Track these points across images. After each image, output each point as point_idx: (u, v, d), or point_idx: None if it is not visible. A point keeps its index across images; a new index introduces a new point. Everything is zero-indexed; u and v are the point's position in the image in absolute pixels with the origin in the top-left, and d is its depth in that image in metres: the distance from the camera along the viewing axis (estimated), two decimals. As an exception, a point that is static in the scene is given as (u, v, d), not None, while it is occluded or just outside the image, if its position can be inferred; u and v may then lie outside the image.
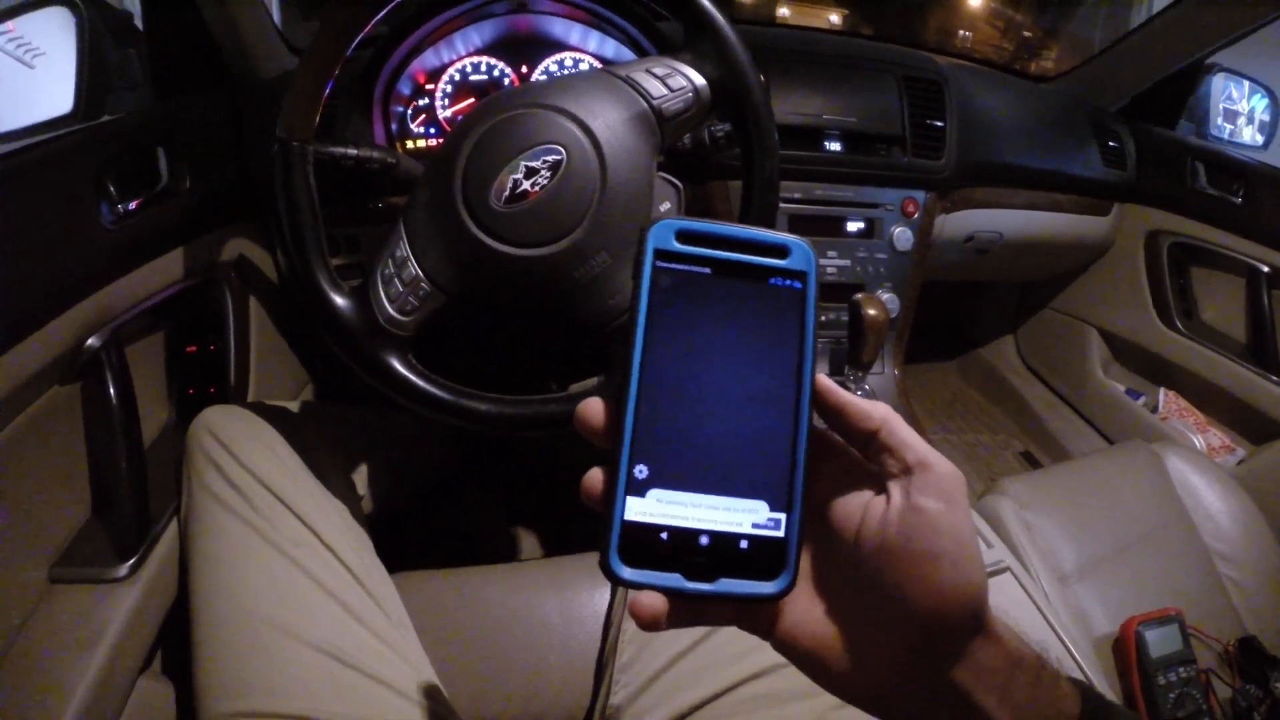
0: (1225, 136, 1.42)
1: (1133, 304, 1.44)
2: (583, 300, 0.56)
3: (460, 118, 0.62)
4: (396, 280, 0.57)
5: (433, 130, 0.96)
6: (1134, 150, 1.38)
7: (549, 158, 0.55)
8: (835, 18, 2.75)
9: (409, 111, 0.96)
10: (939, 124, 1.05)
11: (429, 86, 0.96)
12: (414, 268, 0.56)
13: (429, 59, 0.95)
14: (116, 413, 0.70)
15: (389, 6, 0.58)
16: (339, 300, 0.58)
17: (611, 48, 0.96)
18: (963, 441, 1.64)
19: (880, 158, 1.02)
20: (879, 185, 1.02)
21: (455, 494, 1.12)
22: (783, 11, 2.71)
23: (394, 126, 0.95)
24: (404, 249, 0.57)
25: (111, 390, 0.69)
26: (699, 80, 0.59)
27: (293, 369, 1.11)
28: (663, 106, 0.58)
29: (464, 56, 0.96)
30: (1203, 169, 1.32)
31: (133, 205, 0.75)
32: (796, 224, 1.00)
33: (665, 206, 0.69)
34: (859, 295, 0.91)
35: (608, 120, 0.56)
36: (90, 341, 0.68)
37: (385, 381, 0.58)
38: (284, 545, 0.60)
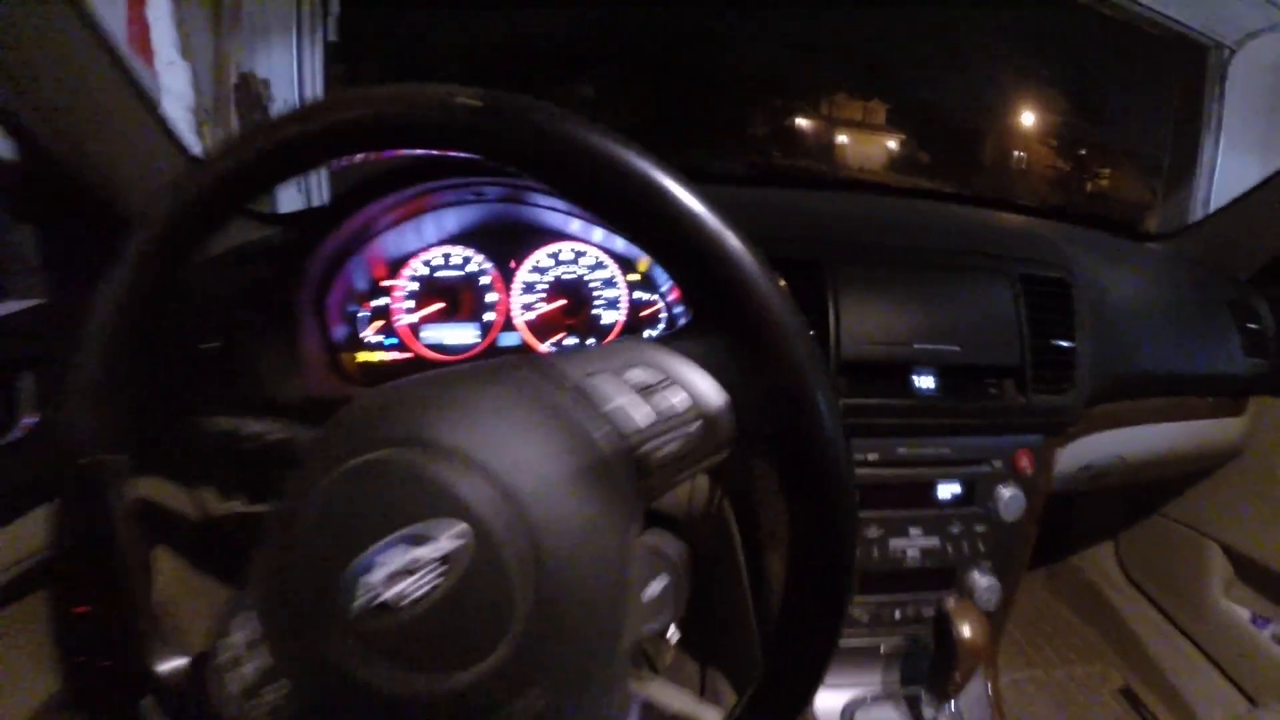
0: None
1: (1266, 516, 1.27)
2: None
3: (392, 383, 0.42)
4: (244, 669, 0.38)
5: (390, 341, 0.78)
6: (1275, 330, 1.19)
7: (436, 547, 0.33)
8: (893, 143, 2.70)
9: (359, 312, 0.78)
10: (1067, 344, 0.84)
11: (388, 283, 0.78)
12: (267, 657, 0.37)
13: (389, 245, 0.76)
14: None
15: (176, 262, 0.43)
16: (166, 670, 0.46)
17: (620, 241, 0.78)
18: (1050, 678, 1.43)
19: (988, 398, 0.81)
20: (982, 434, 0.82)
21: None
22: (840, 138, 2.65)
23: (341, 330, 0.76)
24: (255, 626, 0.38)
25: None
26: (712, 398, 0.38)
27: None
28: (646, 449, 0.36)
29: (434, 245, 0.78)
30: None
31: None
32: (868, 496, 0.78)
33: (655, 590, 0.47)
34: (950, 603, 0.72)
35: (544, 476, 0.34)
36: None
37: None
38: None
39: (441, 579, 0.32)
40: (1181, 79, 2.26)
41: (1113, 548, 1.61)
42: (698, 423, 0.37)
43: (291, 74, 1.60)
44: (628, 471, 0.35)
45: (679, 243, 0.34)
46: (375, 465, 0.34)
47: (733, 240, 0.34)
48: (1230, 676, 1.31)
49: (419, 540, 0.32)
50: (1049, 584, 1.71)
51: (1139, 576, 1.54)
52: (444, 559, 0.32)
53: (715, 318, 0.35)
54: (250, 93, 1.85)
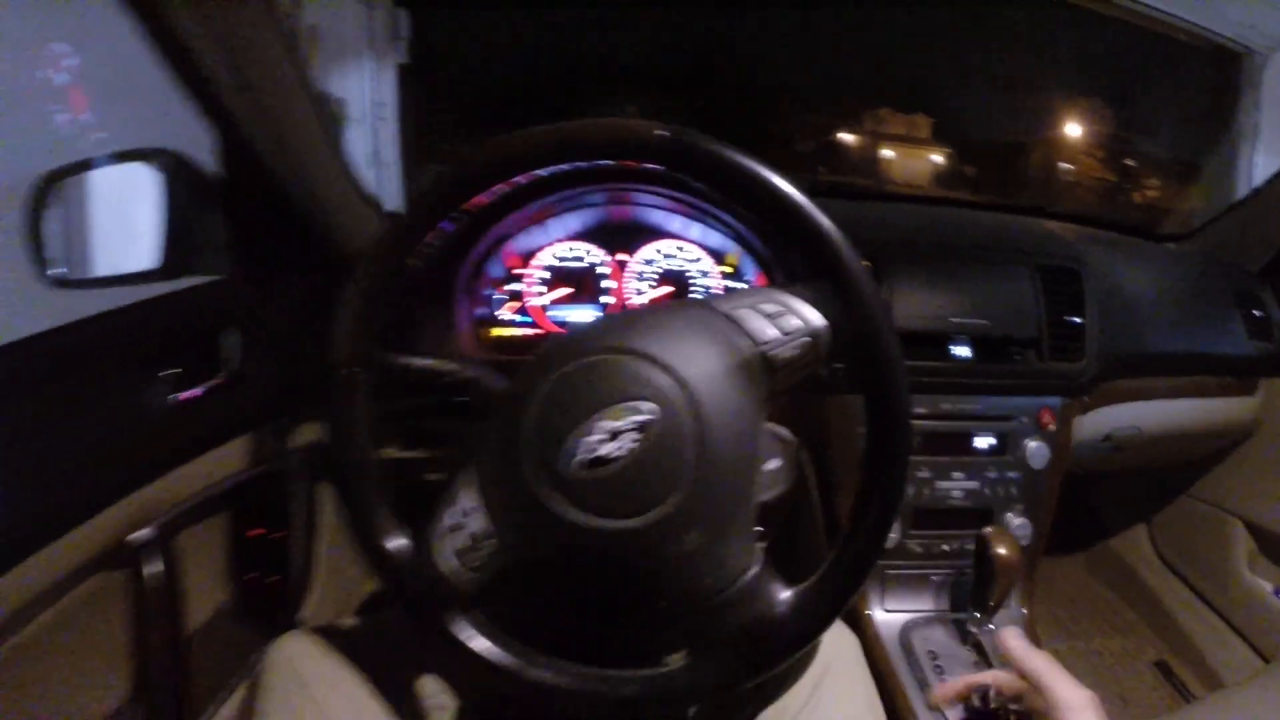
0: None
1: None
2: (671, 580, 0.51)
3: (535, 353, 0.59)
4: (464, 531, 0.53)
5: (524, 320, 0.96)
6: None
7: (637, 417, 0.50)
8: (938, 157, 2.81)
9: (498, 295, 0.96)
10: (1078, 320, 1.01)
11: (520, 271, 0.96)
12: (484, 520, 0.53)
13: (521, 241, 0.95)
14: (158, 609, 0.73)
15: (437, 225, 0.57)
16: (396, 546, 0.56)
17: (715, 238, 0.96)
18: (1089, 649, 1.54)
19: (1013, 364, 0.98)
20: (1011, 394, 0.98)
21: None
22: (886, 154, 2.78)
23: (481, 311, 0.95)
24: (474, 497, 0.54)
25: (155, 587, 0.72)
26: (817, 321, 0.54)
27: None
28: (774, 353, 0.53)
29: (558, 240, 0.96)
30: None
31: (199, 391, 0.77)
32: (920, 444, 0.95)
33: (772, 465, 0.64)
34: (989, 529, 0.87)
35: (707, 370, 0.51)
36: (135, 536, 0.70)
37: (437, 641, 0.55)
38: None
39: (637, 443, 0.49)
40: (1217, 87, 2.32)
41: (1146, 530, 1.69)
42: (807, 338, 0.53)
43: (364, 94, 1.69)
44: (760, 369, 0.53)
45: (798, 226, 0.52)
46: (593, 365, 0.52)
47: (830, 225, 0.52)
48: (1254, 646, 1.38)
49: (625, 413, 0.49)
50: (1088, 566, 1.80)
51: (1170, 556, 1.62)
52: (640, 427, 0.49)
53: (820, 272, 0.53)
54: (326, 111, 2.03)
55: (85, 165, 0.80)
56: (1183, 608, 1.54)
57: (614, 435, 0.49)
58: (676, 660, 0.55)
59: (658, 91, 2.85)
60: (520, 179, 0.57)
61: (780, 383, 0.54)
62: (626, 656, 0.58)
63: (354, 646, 0.71)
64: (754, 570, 0.52)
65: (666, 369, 0.51)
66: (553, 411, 0.51)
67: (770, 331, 0.53)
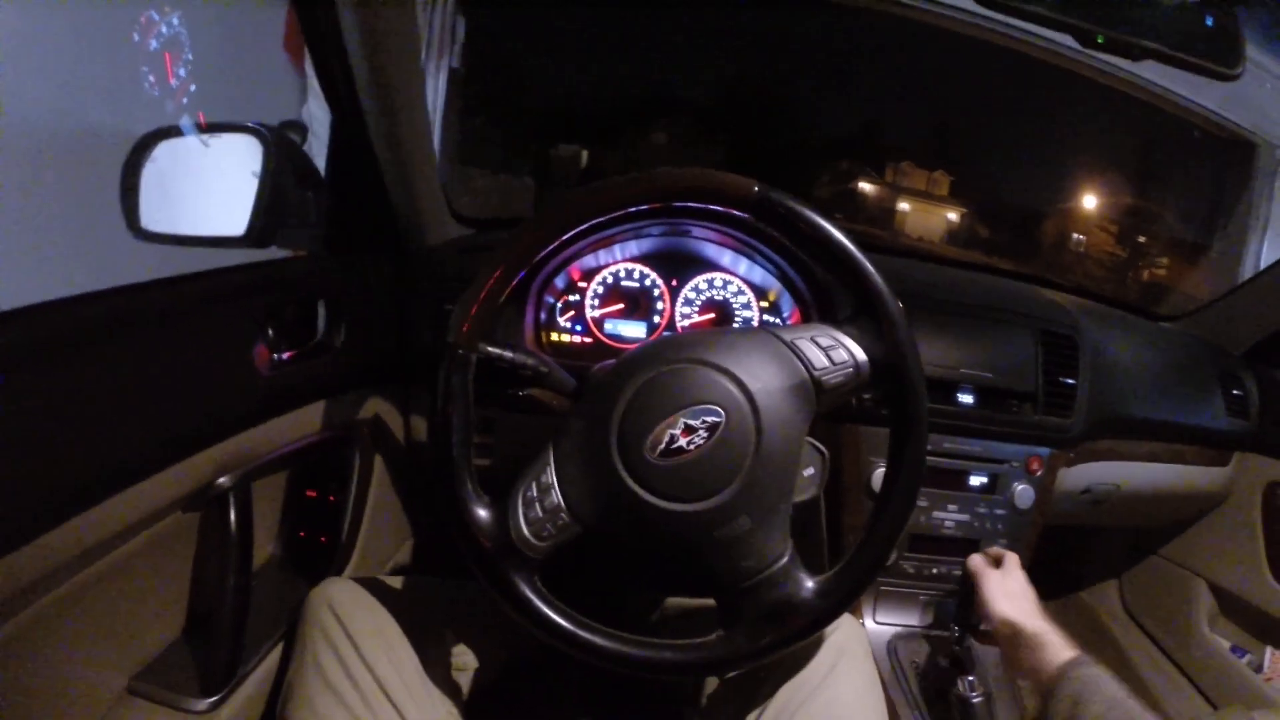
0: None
1: (1246, 558, 1.48)
2: (719, 558, 0.62)
3: (608, 367, 0.68)
4: (538, 505, 0.63)
5: (578, 327, 1.08)
6: (1258, 398, 1.45)
7: (708, 418, 0.62)
8: (954, 215, 2.96)
9: (559, 304, 1.08)
10: (1070, 381, 1.15)
11: (582, 284, 1.09)
12: (557, 497, 0.63)
13: (587, 260, 1.08)
14: (233, 551, 0.78)
15: (556, 241, 0.68)
16: (478, 512, 0.64)
17: (759, 274, 1.09)
18: (1053, 694, 1.64)
19: (1010, 414, 1.11)
20: (1005, 440, 1.11)
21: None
22: (903, 206, 2.94)
23: (543, 315, 1.07)
24: (550, 476, 0.64)
25: (232, 531, 0.78)
26: (861, 355, 0.66)
27: (399, 525, 1.22)
28: (823, 378, 0.65)
29: (620, 261, 1.09)
30: (1333, 418, 1.36)
31: (287, 355, 0.84)
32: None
33: (809, 472, 0.76)
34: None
35: (768, 386, 0.63)
36: (221, 480, 0.76)
37: (507, 599, 0.64)
38: None
39: (706, 439, 0.62)
40: (1233, 176, 2.39)
41: (1116, 586, 1.81)
42: (852, 369, 0.66)
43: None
44: (811, 391, 0.65)
45: (851, 272, 0.66)
46: (677, 371, 0.64)
47: (877, 274, 0.66)
48: (1208, 698, 1.49)
49: (699, 414, 0.62)
50: (1059, 616, 1.81)
51: (1137, 611, 1.73)
52: (710, 427, 0.62)
53: (866, 312, 0.66)
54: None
55: (183, 130, 0.86)
56: (1145, 660, 1.64)
57: (688, 431, 0.62)
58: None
59: (687, 124, 3.00)
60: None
61: (825, 404, 0.66)
62: (662, 627, 0.68)
63: (388, 599, 0.78)
64: (786, 558, 0.64)
65: (736, 381, 0.63)
66: (640, 406, 0.63)
67: (823, 360, 0.65)
